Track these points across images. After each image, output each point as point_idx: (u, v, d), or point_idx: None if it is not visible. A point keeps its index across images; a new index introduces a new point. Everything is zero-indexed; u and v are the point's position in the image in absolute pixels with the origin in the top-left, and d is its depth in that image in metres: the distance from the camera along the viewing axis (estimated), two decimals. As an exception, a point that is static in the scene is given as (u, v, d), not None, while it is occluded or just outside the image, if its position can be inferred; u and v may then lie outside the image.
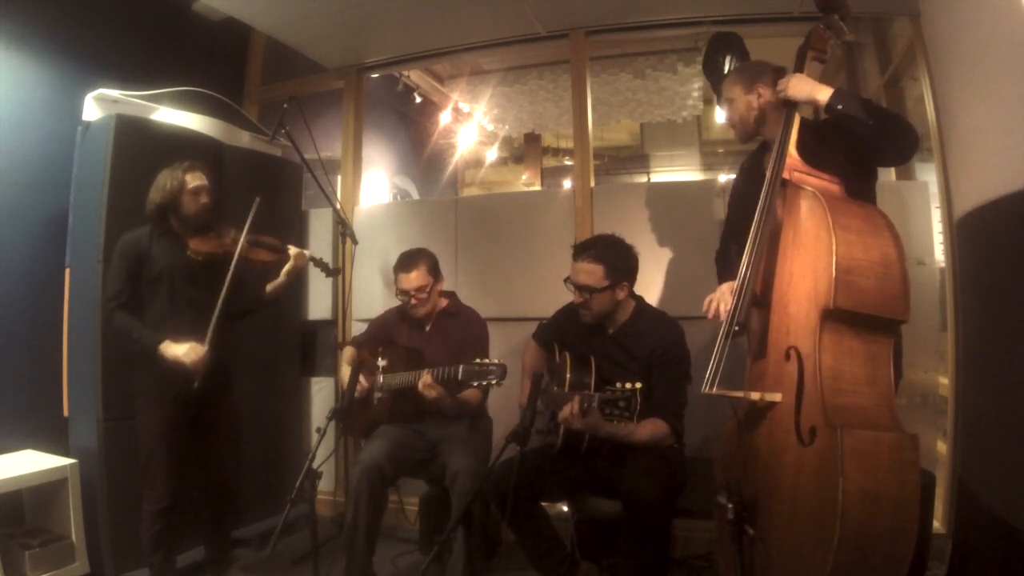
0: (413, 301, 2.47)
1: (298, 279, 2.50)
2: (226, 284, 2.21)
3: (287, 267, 2.41)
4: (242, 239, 2.28)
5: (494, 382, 2.14)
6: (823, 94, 1.70)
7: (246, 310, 2.43)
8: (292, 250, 2.43)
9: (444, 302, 2.60)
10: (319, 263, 2.55)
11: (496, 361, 2.16)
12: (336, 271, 2.84)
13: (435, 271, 2.51)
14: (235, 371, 2.48)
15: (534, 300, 2.93)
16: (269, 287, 2.41)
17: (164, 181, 2.22)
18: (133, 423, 2.25)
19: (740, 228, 1.83)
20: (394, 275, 2.52)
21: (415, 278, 2.44)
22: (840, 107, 1.68)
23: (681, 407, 2.13)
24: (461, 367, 2.19)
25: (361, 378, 2.44)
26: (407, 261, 2.48)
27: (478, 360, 2.16)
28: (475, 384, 2.17)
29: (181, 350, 2.12)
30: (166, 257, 2.23)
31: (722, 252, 2.11)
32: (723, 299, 1.82)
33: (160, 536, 2.19)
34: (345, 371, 2.57)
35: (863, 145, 1.72)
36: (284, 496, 1.89)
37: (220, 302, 2.19)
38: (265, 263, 2.38)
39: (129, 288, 2.19)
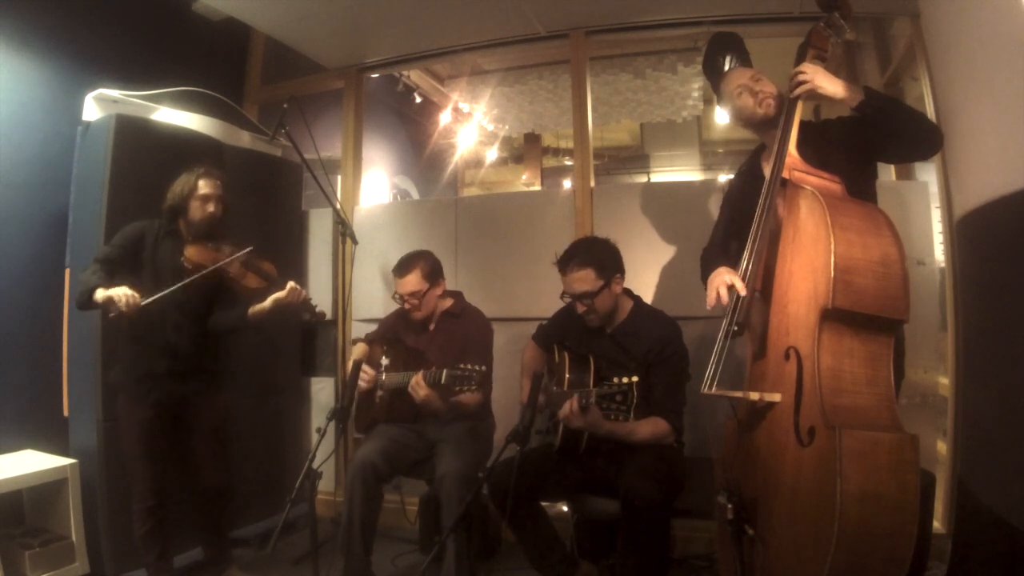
0: (407, 306, 2.47)
1: (285, 311, 2.30)
2: (182, 284, 2.11)
3: (276, 295, 2.25)
4: (233, 258, 2.22)
5: (473, 388, 2.12)
6: (853, 94, 1.70)
7: (229, 328, 2.34)
8: (289, 284, 2.26)
9: (448, 303, 2.58)
10: (308, 307, 2.35)
11: (478, 367, 2.12)
12: (321, 315, 2.43)
13: (432, 276, 2.48)
14: (234, 372, 2.47)
15: (534, 300, 2.93)
16: (251, 311, 2.26)
17: (179, 185, 2.23)
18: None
19: (738, 230, 1.83)
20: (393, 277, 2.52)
21: (408, 283, 2.44)
22: (875, 104, 1.68)
23: (681, 405, 2.13)
24: (444, 371, 2.18)
25: (367, 368, 2.43)
26: (403, 265, 2.47)
27: (462, 365, 2.13)
28: (456, 389, 2.15)
29: (115, 292, 1.97)
30: (163, 258, 2.22)
31: (707, 252, 2.04)
32: (722, 284, 1.73)
33: (151, 535, 2.20)
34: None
35: (893, 141, 1.71)
36: (284, 496, 1.88)
37: (166, 292, 2.07)
38: (251, 289, 2.27)
39: (119, 261, 2.15)
